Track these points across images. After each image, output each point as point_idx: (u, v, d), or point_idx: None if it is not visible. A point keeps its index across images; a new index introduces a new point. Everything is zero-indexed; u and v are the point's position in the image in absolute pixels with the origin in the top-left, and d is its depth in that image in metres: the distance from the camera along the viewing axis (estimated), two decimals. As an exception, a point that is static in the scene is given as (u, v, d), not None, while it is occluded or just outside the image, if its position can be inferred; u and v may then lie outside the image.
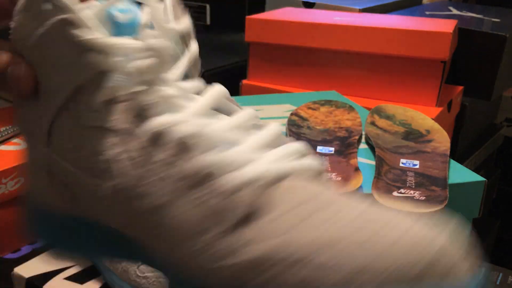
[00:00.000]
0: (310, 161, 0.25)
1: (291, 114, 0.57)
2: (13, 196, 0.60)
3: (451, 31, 0.77)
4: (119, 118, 0.24)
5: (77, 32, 0.24)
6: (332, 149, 0.49)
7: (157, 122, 0.23)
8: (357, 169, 0.44)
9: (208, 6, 1.28)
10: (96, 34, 0.24)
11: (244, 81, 0.93)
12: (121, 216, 0.24)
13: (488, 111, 1.15)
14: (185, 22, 0.27)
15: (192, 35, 0.27)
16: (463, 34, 0.91)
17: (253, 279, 0.21)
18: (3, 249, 0.62)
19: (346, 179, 0.42)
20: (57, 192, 0.26)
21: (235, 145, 0.24)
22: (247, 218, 0.22)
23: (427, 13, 1.06)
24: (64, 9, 0.24)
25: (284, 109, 0.63)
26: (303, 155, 0.26)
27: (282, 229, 0.21)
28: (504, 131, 1.22)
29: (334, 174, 0.44)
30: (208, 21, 1.30)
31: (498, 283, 0.52)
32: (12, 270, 0.49)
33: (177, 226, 0.22)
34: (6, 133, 0.68)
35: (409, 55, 0.80)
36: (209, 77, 1.02)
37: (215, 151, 0.23)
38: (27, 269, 0.49)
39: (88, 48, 0.24)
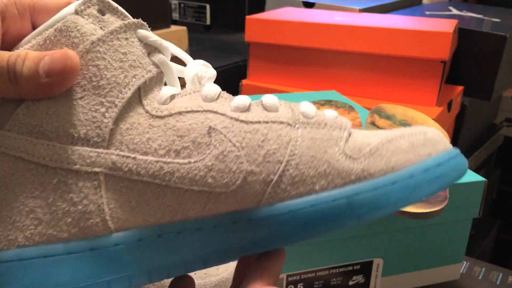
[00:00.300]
0: None
1: None
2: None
3: (451, 31, 0.77)
4: (189, 103, 0.27)
5: (148, 34, 0.27)
6: None
7: (240, 99, 0.27)
8: None
9: (208, 6, 1.28)
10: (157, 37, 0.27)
11: (244, 81, 0.93)
12: (233, 176, 0.26)
13: (488, 111, 1.15)
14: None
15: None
16: (463, 34, 0.91)
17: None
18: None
19: None
20: (123, 201, 0.25)
21: None
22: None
23: (427, 13, 1.06)
24: (127, 15, 0.27)
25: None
26: None
27: (368, 137, 0.28)
28: (504, 131, 1.22)
29: None
30: (208, 21, 1.30)
31: (498, 283, 0.52)
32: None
33: (308, 149, 0.26)
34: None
35: (409, 55, 0.80)
36: (209, 77, 1.02)
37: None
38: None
39: (154, 49, 0.27)
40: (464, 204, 0.46)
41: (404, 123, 0.55)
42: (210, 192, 0.25)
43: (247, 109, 0.27)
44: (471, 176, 0.46)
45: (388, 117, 0.56)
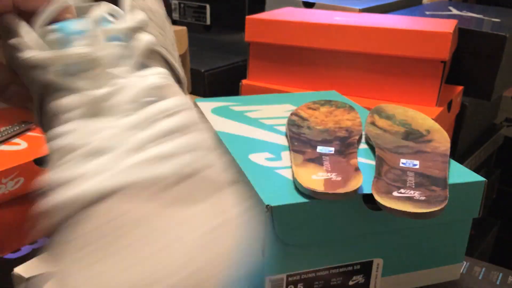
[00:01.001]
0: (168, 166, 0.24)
1: (291, 114, 0.57)
2: (13, 196, 0.60)
3: (451, 31, 0.77)
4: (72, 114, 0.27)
5: (20, 54, 0.27)
6: (332, 149, 0.49)
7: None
8: (357, 169, 0.44)
9: (208, 6, 1.28)
10: (35, 52, 0.27)
11: (244, 81, 0.93)
12: None
13: (488, 111, 1.15)
14: (135, 18, 0.29)
15: (142, 28, 0.29)
16: (463, 34, 0.91)
17: None
18: (3, 249, 0.62)
19: (346, 179, 0.43)
20: None
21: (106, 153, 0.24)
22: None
23: (427, 13, 1.06)
24: (13, 34, 0.27)
25: (284, 109, 0.63)
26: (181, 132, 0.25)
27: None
28: (504, 131, 1.22)
29: (334, 174, 0.44)
30: (208, 21, 1.30)
31: (498, 283, 0.52)
32: (12, 270, 0.49)
33: None
34: (6, 133, 0.68)
35: (409, 55, 0.80)
36: (209, 77, 1.02)
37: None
38: (27, 269, 0.49)
39: (31, 66, 0.27)
40: (464, 204, 0.46)
41: (404, 123, 0.55)
42: None
43: None
44: (471, 176, 0.46)
45: (388, 117, 0.56)
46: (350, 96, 0.84)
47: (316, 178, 0.42)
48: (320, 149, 0.49)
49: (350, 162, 0.46)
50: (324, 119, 0.56)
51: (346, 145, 0.49)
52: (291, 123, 0.54)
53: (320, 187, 0.40)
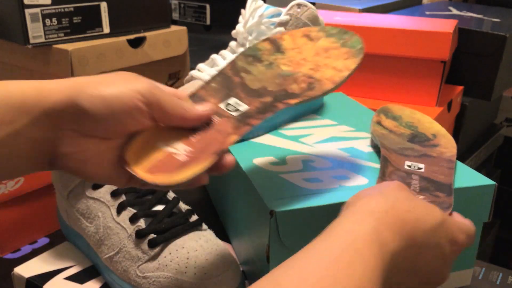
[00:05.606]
0: None
1: (267, 39, 0.42)
2: (13, 196, 0.60)
3: (451, 31, 0.77)
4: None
5: None
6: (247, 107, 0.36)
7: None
8: (219, 153, 0.33)
9: (208, 6, 1.28)
10: None
11: (244, 81, 0.93)
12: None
13: (488, 111, 1.15)
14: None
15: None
16: (463, 34, 0.91)
17: None
18: (3, 249, 0.62)
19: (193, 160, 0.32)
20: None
21: None
22: None
23: (427, 13, 1.06)
24: None
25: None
26: None
27: None
28: (504, 131, 1.22)
29: (188, 149, 0.33)
30: (208, 21, 1.30)
31: (498, 283, 0.52)
32: (12, 270, 0.49)
33: None
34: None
35: (409, 55, 0.80)
36: (209, 77, 1.02)
37: None
38: (27, 269, 0.49)
39: None
40: (473, 208, 0.45)
41: (411, 125, 0.54)
42: None
43: None
44: (481, 180, 0.45)
45: (395, 118, 0.56)
46: (350, 96, 0.84)
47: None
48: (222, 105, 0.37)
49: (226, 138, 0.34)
50: (305, 57, 0.42)
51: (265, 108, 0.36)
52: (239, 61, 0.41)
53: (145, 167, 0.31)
